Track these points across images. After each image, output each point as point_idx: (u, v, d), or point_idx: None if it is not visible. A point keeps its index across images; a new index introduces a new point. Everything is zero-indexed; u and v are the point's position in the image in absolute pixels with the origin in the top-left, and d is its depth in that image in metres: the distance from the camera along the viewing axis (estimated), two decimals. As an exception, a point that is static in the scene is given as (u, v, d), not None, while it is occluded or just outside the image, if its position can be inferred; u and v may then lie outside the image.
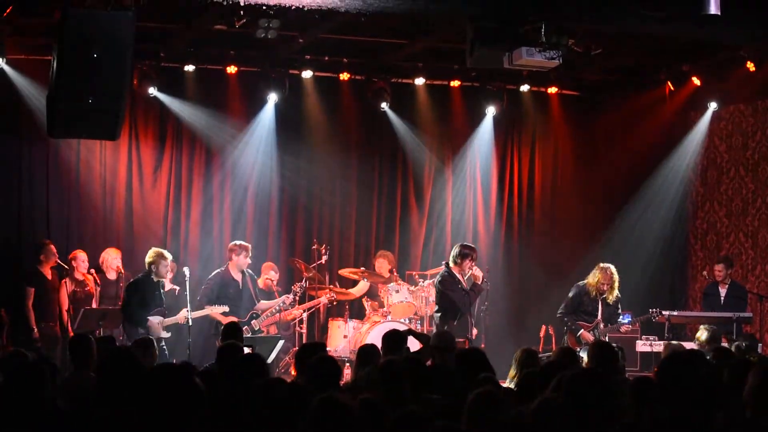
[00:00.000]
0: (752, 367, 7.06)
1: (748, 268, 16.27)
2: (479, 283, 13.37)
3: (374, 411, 5.47)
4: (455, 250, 13.52)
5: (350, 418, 5.04)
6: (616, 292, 13.61)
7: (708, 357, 8.78)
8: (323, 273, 15.40)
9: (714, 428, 5.74)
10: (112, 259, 14.12)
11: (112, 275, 14.06)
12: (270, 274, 14.98)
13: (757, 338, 13.65)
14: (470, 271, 13.38)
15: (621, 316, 13.86)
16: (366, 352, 9.08)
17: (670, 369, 5.87)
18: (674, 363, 5.93)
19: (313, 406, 5.08)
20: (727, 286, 14.64)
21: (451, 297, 13.21)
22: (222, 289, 13.76)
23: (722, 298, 14.55)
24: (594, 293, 13.58)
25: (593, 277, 13.58)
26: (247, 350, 9.45)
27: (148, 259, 13.08)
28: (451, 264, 13.38)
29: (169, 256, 13.28)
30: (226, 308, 13.51)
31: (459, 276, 13.32)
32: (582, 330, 13.44)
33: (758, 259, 16.19)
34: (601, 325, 13.50)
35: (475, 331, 13.59)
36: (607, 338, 13.13)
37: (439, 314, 13.37)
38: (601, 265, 13.65)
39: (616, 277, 13.56)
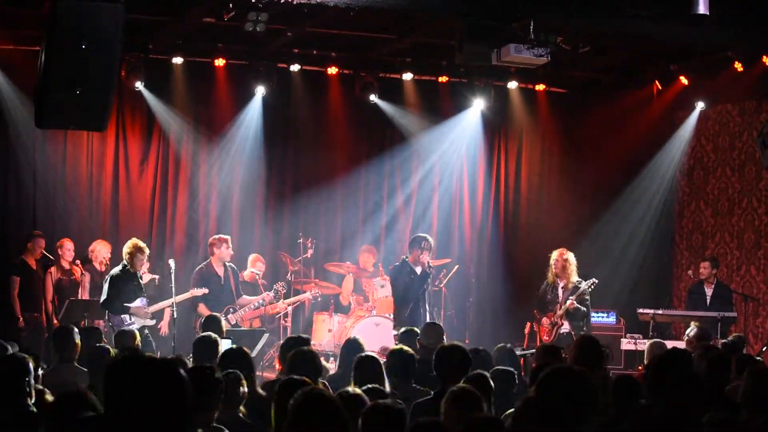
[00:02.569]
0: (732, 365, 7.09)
1: (733, 268, 16.29)
2: (423, 269, 13.38)
3: (353, 404, 5.49)
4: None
5: (334, 410, 5.05)
6: (573, 277, 13.53)
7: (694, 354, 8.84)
8: (309, 267, 15.41)
9: (703, 426, 5.77)
10: (102, 253, 14.12)
11: (100, 266, 14.07)
12: (257, 266, 14.97)
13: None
14: (424, 260, 13.35)
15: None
16: (350, 346, 9.12)
17: (659, 368, 5.89)
18: (664, 362, 5.95)
19: (297, 400, 5.09)
20: (713, 285, 14.63)
21: (395, 286, 13.35)
22: (203, 284, 13.74)
23: (708, 298, 14.53)
24: (553, 280, 13.59)
25: (549, 265, 13.62)
26: (227, 342, 9.49)
27: (125, 250, 13.08)
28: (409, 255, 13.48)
29: (147, 250, 13.29)
30: (206, 290, 13.51)
31: (414, 266, 13.32)
32: (543, 319, 13.47)
33: (743, 260, 16.22)
34: (559, 312, 13.43)
35: None
36: (565, 320, 13.20)
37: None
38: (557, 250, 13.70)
39: (570, 259, 13.53)
